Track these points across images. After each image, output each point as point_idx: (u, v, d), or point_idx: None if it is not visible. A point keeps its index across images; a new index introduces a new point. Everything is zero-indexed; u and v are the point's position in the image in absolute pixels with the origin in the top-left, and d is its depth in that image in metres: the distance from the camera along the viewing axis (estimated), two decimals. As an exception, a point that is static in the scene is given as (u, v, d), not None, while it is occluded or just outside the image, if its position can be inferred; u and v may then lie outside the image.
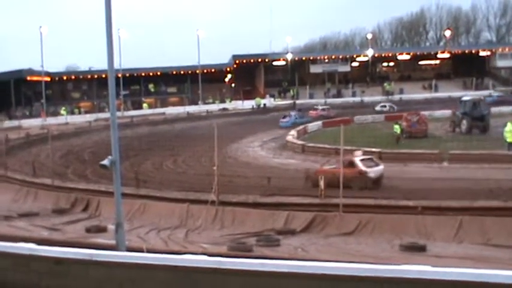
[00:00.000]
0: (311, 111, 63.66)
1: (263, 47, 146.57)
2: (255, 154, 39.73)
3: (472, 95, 59.82)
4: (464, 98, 49.26)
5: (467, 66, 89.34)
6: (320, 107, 66.92)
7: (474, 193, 21.24)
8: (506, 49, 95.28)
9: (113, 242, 12.59)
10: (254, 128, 54.12)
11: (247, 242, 16.63)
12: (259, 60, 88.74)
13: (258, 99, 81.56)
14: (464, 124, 45.35)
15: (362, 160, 24.83)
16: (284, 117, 59.36)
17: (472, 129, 44.72)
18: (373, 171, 24.52)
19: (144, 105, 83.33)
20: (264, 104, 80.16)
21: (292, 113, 60.36)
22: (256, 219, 19.62)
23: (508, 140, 33.86)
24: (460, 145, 37.24)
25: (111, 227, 17.05)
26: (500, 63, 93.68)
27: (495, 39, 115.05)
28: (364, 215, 18.69)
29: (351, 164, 23.97)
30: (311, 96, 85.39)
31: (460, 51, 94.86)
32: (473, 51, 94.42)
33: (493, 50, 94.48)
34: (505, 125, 35.20)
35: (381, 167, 25.37)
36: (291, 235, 18.01)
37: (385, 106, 68.45)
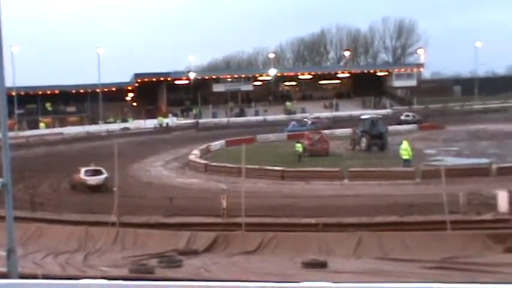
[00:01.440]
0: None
1: (166, 65, 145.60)
2: (157, 174, 39.17)
3: (374, 113, 61.67)
4: (363, 117, 50.74)
5: (366, 86, 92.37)
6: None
7: (373, 209, 21.81)
8: (402, 70, 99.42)
9: (4, 269, 11.95)
10: (157, 148, 53.43)
11: (149, 264, 16.29)
12: (162, 78, 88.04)
13: (160, 118, 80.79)
14: (363, 142, 46.60)
15: (87, 171, 31.15)
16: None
17: (371, 147, 46.04)
18: (92, 180, 30.49)
19: (41, 124, 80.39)
20: (167, 123, 79.49)
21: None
22: (158, 240, 19.26)
23: (404, 157, 35.10)
24: (360, 162, 38.23)
25: (1, 253, 16.21)
26: (397, 83, 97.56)
27: (392, 60, 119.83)
28: (267, 233, 18.75)
29: (79, 172, 31.15)
30: (214, 115, 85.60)
31: (359, 71, 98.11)
32: (371, 71, 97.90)
33: (390, 71, 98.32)
34: (401, 143, 36.53)
35: (103, 176, 30.34)
36: (194, 255, 17.79)
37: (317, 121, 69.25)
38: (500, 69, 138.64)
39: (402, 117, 75.06)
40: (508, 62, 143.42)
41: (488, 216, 18.51)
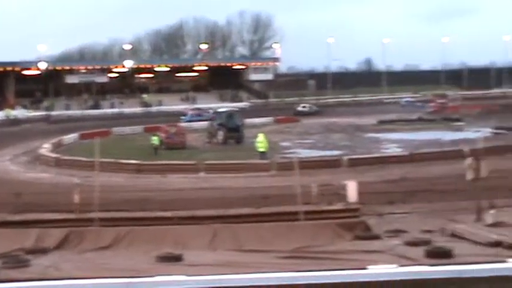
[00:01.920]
0: None
1: (16, 55, 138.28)
2: (4, 169, 37.07)
3: (233, 106, 62.62)
4: (220, 110, 51.13)
5: (224, 79, 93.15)
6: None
7: (229, 201, 21.96)
8: (259, 64, 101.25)
9: None
10: (3, 141, 50.57)
11: (-8, 265, 15.22)
12: (8, 68, 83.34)
13: (7, 110, 76.60)
14: (220, 135, 46.99)
15: None
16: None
17: (227, 140, 46.46)
18: None
19: None
20: (15, 116, 75.50)
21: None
22: (3, 239, 18.09)
23: (260, 149, 35.73)
24: (216, 155, 38.43)
25: None
26: (254, 76, 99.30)
27: (249, 54, 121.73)
28: (122, 228, 18.22)
29: None
30: (67, 108, 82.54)
31: (216, 65, 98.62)
32: (228, 65, 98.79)
33: (247, 64, 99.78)
34: (257, 136, 37.14)
35: None
36: (43, 254, 16.87)
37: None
38: (352, 65, 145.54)
39: (299, 109, 77.94)
40: (359, 57, 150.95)
41: (338, 206, 19.18)
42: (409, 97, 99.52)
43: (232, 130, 47.03)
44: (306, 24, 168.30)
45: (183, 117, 66.77)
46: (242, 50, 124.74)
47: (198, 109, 73.67)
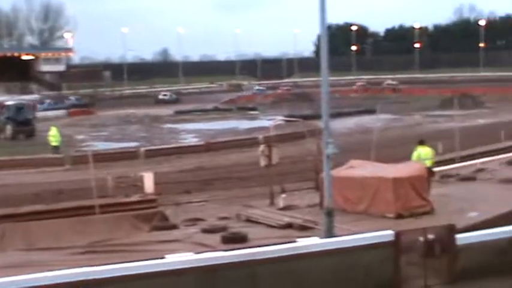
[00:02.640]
0: None
1: None
2: None
3: (20, 99, 59.49)
4: (8, 103, 48.34)
5: (11, 71, 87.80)
6: None
7: (20, 199, 20.82)
8: (50, 54, 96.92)
9: None
10: None
11: None
12: None
13: None
14: (8, 129, 44.36)
15: None
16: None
17: (17, 135, 44.02)
18: None
19: None
20: None
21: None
22: None
23: (52, 144, 34.31)
24: (5, 151, 36.19)
25: None
26: (45, 67, 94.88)
27: (39, 44, 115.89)
28: None
29: None
30: None
31: (1, 55, 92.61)
32: (16, 55, 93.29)
33: (37, 55, 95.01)
34: (50, 129, 35.59)
35: None
36: None
37: None
38: (148, 55, 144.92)
39: (160, 97, 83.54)
40: (155, 48, 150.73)
41: (135, 197, 18.98)
42: (258, 85, 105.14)
43: (22, 124, 44.58)
44: (100, 13, 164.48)
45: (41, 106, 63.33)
46: (31, 40, 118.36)
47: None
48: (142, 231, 15.69)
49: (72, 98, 79.88)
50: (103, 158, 29.59)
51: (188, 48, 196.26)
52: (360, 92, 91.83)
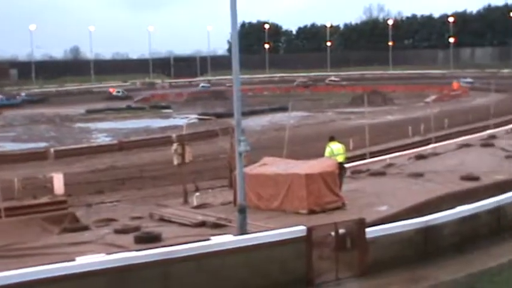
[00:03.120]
0: None
1: None
2: None
3: None
4: None
5: None
6: None
7: None
8: None
9: None
10: None
11: None
12: None
13: None
14: None
15: None
16: None
17: None
18: None
19: None
20: None
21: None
22: None
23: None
24: None
25: None
26: None
27: None
28: None
29: None
30: None
31: None
32: None
33: None
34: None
35: None
36: None
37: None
38: (58, 53, 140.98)
39: (114, 93, 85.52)
40: (65, 46, 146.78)
41: (44, 199, 18.40)
42: (204, 82, 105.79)
43: None
44: (6, 10, 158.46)
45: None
46: None
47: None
48: (52, 234, 15.21)
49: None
50: (10, 159, 28.59)
51: (100, 46, 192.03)
52: (301, 89, 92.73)
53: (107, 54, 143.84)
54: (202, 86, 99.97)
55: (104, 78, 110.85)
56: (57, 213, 16.57)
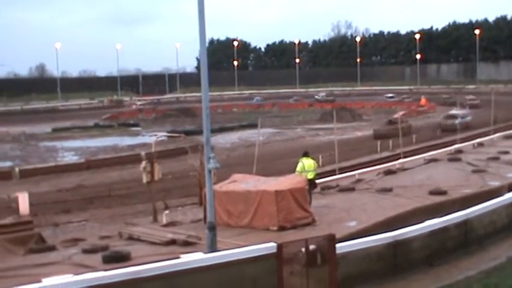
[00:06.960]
0: None
1: None
2: None
3: None
4: None
5: None
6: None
7: None
8: None
9: None
10: None
11: None
12: None
13: None
14: None
15: None
16: None
17: None
18: None
19: None
20: None
21: None
22: None
23: None
24: None
25: None
26: None
27: None
28: None
29: None
30: None
31: None
32: None
33: None
34: None
35: None
36: None
37: None
38: (23, 71, 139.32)
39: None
40: (30, 63, 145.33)
41: (8, 220, 17.96)
42: (258, 96, 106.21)
43: None
44: None
45: None
46: None
47: None
48: (17, 256, 14.87)
49: None
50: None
51: (67, 64, 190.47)
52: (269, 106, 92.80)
53: (73, 71, 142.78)
54: (257, 100, 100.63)
55: (71, 95, 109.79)
56: (23, 233, 16.20)
